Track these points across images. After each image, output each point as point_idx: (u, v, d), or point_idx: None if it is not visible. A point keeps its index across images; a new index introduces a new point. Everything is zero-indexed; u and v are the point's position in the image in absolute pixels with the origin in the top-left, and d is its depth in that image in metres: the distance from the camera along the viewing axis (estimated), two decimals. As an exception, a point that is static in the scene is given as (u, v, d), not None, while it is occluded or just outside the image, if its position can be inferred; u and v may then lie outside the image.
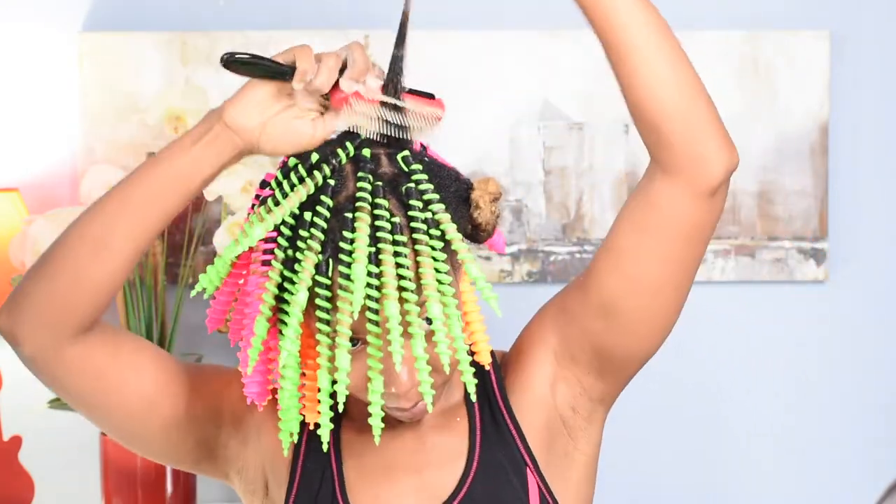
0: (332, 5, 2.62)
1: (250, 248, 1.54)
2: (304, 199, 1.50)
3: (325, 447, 1.53)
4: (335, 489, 1.61)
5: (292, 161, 1.53)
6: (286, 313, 1.51)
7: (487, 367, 1.66)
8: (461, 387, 1.62)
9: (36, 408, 2.47)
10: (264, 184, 1.56)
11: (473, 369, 1.54)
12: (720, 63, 2.61)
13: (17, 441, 2.42)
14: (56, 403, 2.41)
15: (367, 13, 2.61)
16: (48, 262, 1.59)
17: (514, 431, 1.64)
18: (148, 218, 1.58)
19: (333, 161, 1.51)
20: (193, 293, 1.60)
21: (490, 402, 1.66)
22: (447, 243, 1.51)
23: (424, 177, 1.51)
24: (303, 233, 1.49)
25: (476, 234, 1.57)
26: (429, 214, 1.51)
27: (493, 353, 1.66)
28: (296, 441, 1.60)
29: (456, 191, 1.55)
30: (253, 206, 1.57)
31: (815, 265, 2.64)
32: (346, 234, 1.48)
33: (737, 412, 2.67)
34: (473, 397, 1.53)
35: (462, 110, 2.56)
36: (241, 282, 1.59)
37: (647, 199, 1.56)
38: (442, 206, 1.51)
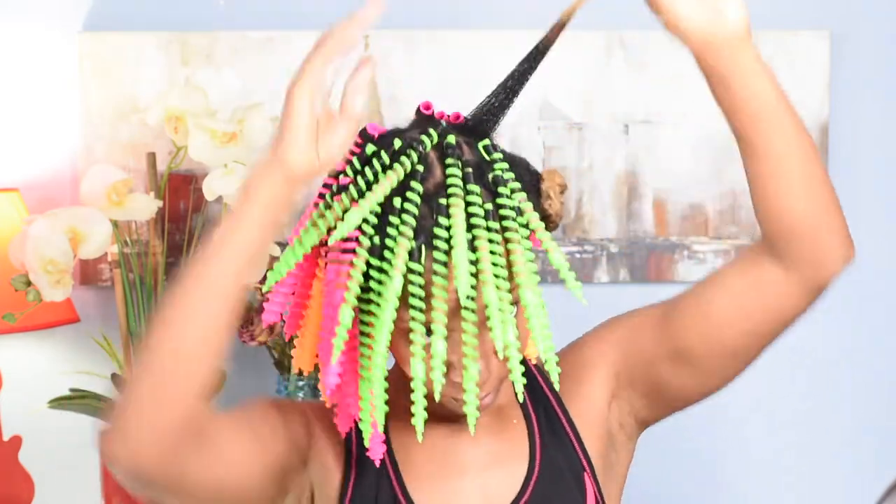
0: (332, 5, 2.62)
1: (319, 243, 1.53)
2: (395, 184, 1.48)
3: (419, 437, 1.49)
4: (396, 493, 1.60)
5: (370, 148, 1.52)
6: (372, 302, 1.49)
7: (535, 361, 1.66)
8: (511, 387, 1.60)
9: (36, 408, 2.47)
10: (334, 173, 1.54)
11: (523, 368, 1.53)
12: (720, 63, 2.61)
13: (17, 441, 2.43)
14: (56, 403, 2.41)
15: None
16: (146, 384, 1.46)
17: (571, 435, 1.65)
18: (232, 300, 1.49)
19: (419, 148, 1.51)
20: (266, 288, 1.57)
21: (544, 404, 1.66)
22: (530, 232, 1.51)
23: (506, 165, 1.52)
24: (393, 219, 1.47)
25: (546, 224, 1.57)
26: (515, 202, 1.50)
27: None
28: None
29: (529, 181, 1.56)
30: (322, 195, 1.54)
31: (815, 265, 2.64)
32: (442, 220, 1.47)
33: (736, 412, 2.67)
34: (521, 398, 1.52)
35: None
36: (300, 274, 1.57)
37: (756, 282, 1.58)
38: (524, 194, 1.51)
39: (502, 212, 1.50)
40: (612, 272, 2.62)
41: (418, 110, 1.58)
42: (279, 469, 1.58)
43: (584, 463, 1.63)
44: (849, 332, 2.68)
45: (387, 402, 1.53)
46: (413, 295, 1.46)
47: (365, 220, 1.48)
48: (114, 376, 2.37)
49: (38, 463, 2.49)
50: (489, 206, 1.49)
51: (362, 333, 1.51)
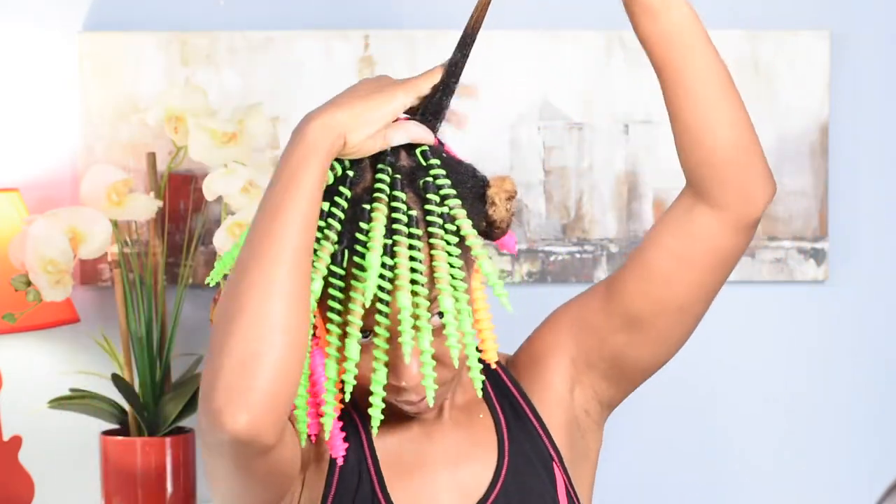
0: (332, 5, 2.62)
1: None
2: (322, 188, 1.49)
3: (374, 431, 1.51)
4: (374, 487, 1.61)
5: None
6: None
7: (494, 366, 1.67)
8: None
9: (36, 408, 2.47)
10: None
11: (481, 366, 1.55)
12: (720, 63, 2.60)
13: (17, 441, 2.43)
14: (56, 403, 2.41)
15: (367, 13, 2.61)
16: (237, 351, 1.40)
17: (537, 426, 1.66)
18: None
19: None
20: (212, 282, 1.58)
21: (509, 398, 1.68)
22: (462, 239, 1.52)
23: (442, 171, 1.52)
24: (320, 223, 1.49)
25: (490, 231, 1.58)
26: (445, 209, 1.51)
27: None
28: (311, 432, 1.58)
29: (472, 187, 1.56)
30: None
31: (815, 265, 2.64)
32: (363, 224, 1.48)
33: (736, 412, 2.67)
34: (479, 393, 1.54)
35: (462, 111, 2.56)
36: None
37: (688, 229, 1.59)
38: (458, 201, 1.52)
39: (429, 218, 1.50)
40: (612, 272, 2.62)
41: None
42: (300, 466, 1.60)
43: (552, 452, 1.65)
44: (849, 332, 2.68)
45: (362, 403, 1.55)
46: (332, 297, 1.49)
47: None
48: (114, 376, 2.37)
49: (38, 463, 2.49)
50: (414, 212, 1.50)
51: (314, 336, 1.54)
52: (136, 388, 2.40)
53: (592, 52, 2.60)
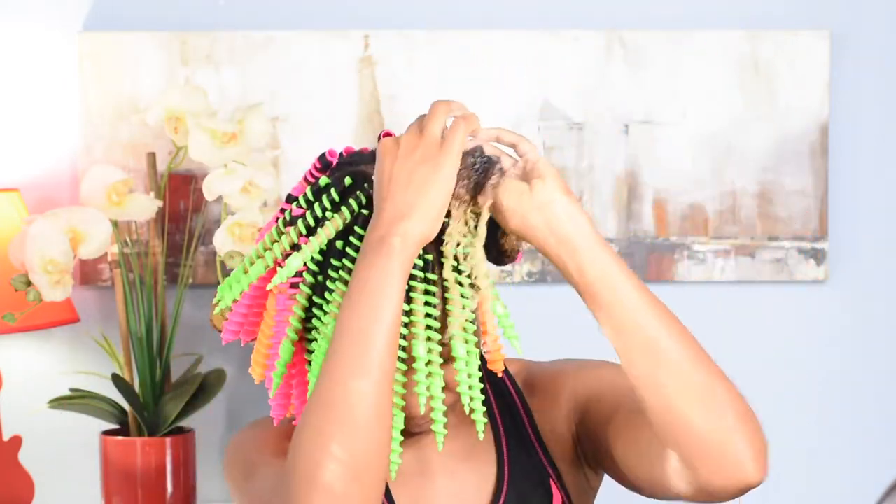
0: (332, 5, 2.62)
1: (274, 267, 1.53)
2: (339, 228, 1.49)
3: (392, 475, 1.50)
4: None
5: (324, 180, 1.52)
6: (314, 340, 1.50)
7: (500, 375, 1.67)
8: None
9: (36, 408, 2.47)
10: (291, 198, 1.55)
11: (484, 409, 1.53)
12: (720, 63, 2.61)
13: (17, 441, 2.42)
14: (56, 403, 2.41)
15: (367, 13, 2.61)
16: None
17: (536, 443, 1.66)
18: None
19: (368, 188, 1.50)
20: (217, 311, 1.58)
21: (511, 409, 1.67)
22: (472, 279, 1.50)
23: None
24: (335, 262, 1.48)
25: (500, 258, 1.56)
26: (460, 249, 1.49)
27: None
28: None
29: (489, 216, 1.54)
30: (277, 218, 1.55)
31: (815, 265, 2.63)
32: None
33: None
34: (481, 436, 1.52)
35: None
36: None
37: (653, 474, 1.52)
38: (476, 247, 1.50)
39: (444, 260, 1.49)
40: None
41: (379, 138, 1.55)
42: None
43: (550, 470, 1.64)
44: (849, 332, 2.68)
45: None
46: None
47: (311, 258, 1.50)
48: (114, 376, 2.37)
49: (38, 463, 2.49)
50: (430, 256, 1.48)
51: (309, 363, 1.52)
52: (136, 388, 2.40)
53: (592, 52, 2.60)
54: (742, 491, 1.47)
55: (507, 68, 2.60)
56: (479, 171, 1.48)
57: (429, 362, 1.48)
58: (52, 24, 2.58)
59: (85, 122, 2.56)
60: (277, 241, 1.52)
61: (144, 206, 2.36)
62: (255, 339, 1.62)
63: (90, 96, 2.56)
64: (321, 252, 1.49)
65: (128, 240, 2.44)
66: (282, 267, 1.50)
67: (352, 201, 1.50)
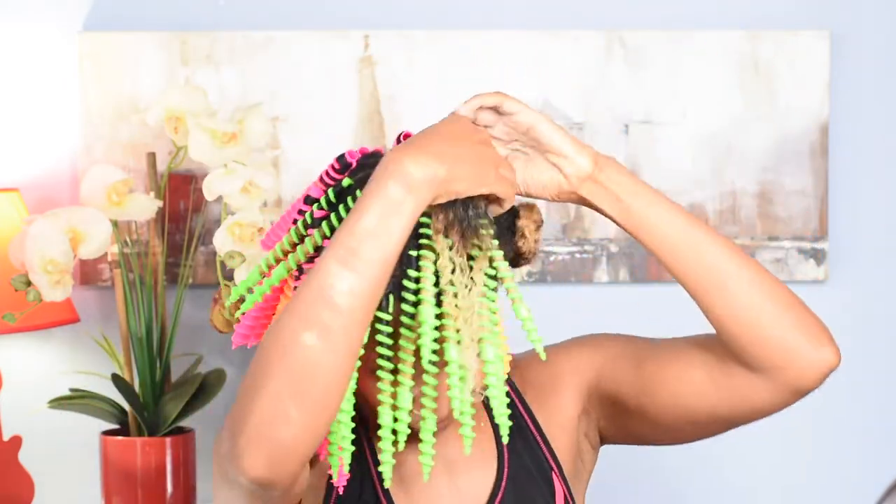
0: (332, 5, 2.62)
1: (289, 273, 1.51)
2: None
3: (387, 483, 1.48)
4: (378, 494, 1.61)
5: (347, 181, 1.50)
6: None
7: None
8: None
9: (36, 408, 2.47)
10: (310, 200, 1.52)
11: (509, 411, 1.53)
12: (720, 63, 2.61)
13: (17, 441, 2.42)
14: (56, 403, 2.41)
15: (367, 13, 2.61)
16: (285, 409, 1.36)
17: (538, 438, 1.66)
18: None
19: None
20: (238, 314, 1.55)
21: (511, 408, 1.67)
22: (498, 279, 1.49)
23: (485, 218, 1.48)
24: None
25: (517, 260, 1.55)
26: (488, 252, 1.48)
27: None
28: (346, 471, 1.53)
29: (505, 218, 1.54)
30: (295, 220, 1.52)
31: (815, 265, 2.64)
32: (411, 272, 1.45)
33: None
34: (506, 439, 1.53)
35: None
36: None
37: (726, 384, 1.56)
38: (496, 241, 1.49)
39: (472, 263, 1.48)
40: (611, 272, 2.62)
41: (399, 139, 1.54)
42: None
43: (552, 463, 1.64)
44: (849, 332, 2.68)
45: (364, 418, 1.54)
46: (381, 344, 1.46)
47: None
48: (114, 376, 2.37)
49: (38, 463, 2.49)
50: (460, 259, 1.47)
51: None
52: (136, 388, 2.40)
53: (592, 52, 2.60)
54: (826, 374, 1.54)
55: (507, 68, 2.60)
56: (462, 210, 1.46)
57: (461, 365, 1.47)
58: (52, 24, 2.58)
59: (85, 122, 2.56)
60: (299, 244, 1.50)
61: (144, 206, 2.36)
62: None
63: (90, 96, 2.56)
64: None
65: (128, 240, 2.44)
66: (299, 274, 1.48)
67: None
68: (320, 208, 1.51)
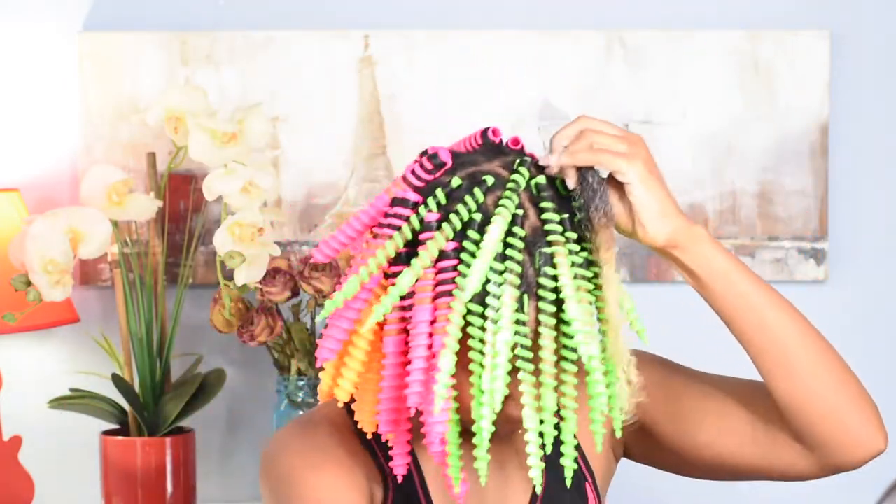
0: (332, 5, 2.62)
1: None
2: (504, 232, 1.43)
3: (483, 481, 1.46)
4: (420, 499, 1.59)
5: (456, 181, 1.46)
6: (471, 349, 1.43)
7: None
8: None
9: (36, 408, 2.47)
10: (402, 202, 1.47)
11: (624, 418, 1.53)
12: (720, 63, 2.61)
13: (17, 441, 2.42)
14: (56, 403, 2.41)
15: (367, 13, 2.61)
16: None
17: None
18: None
19: (515, 190, 1.46)
20: (324, 315, 1.48)
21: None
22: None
23: (579, 202, 1.48)
24: (498, 265, 1.42)
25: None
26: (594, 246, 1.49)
27: None
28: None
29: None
30: (391, 225, 1.47)
31: (815, 265, 2.64)
32: (548, 269, 1.43)
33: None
34: (569, 482, 1.51)
35: (462, 110, 2.56)
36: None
37: (772, 448, 1.58)
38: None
39: (590, 257, 1.48)
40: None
41: (485, 135, 1.52)
42: None
43: (586, 472, 1.64)
44: (849, 332, 2.68)
45: (413, 425, 1.52)
46: (521, 346, 1.43)
47: (460, 259, 1.43)
48: (114, 376, 2.37)
49: (38, 463, 2.48)
50: (585, 254, 1.47)
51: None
52: (136, 388, 2.40)
53: (592, 52, 2.60)
54: (870, 459, 1.56)
55: (507, 68, 2.59)
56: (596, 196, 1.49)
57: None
58: (52, 24, 2.58)
59: (85, 122, 2.56)
60: (420, 255, 1.44)
61: (144, 206, 2.36)
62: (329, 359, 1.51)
63: (90, 96, 2.56)
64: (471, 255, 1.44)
65: (128, 240, 2.44)
66: (441, 277, 1.44)
67: (507, 202, 1.44)
68: (428, 210, 1.46)
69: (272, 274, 2.33)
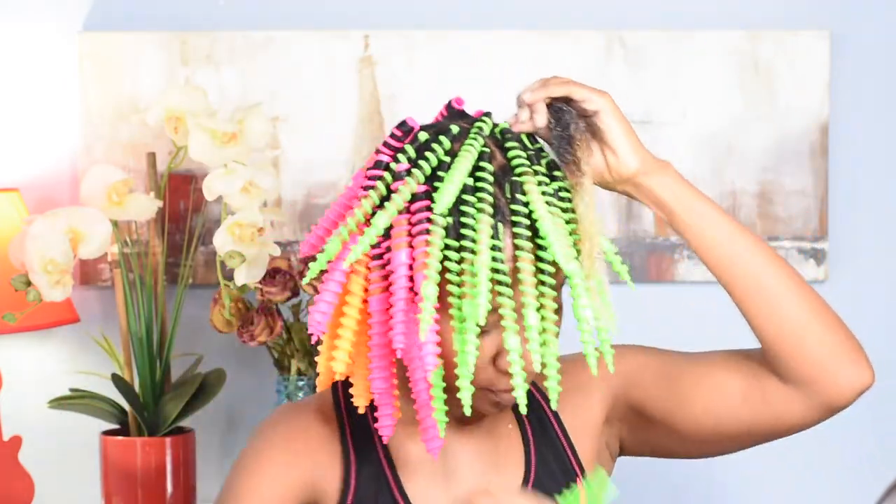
0: (332, 5, 2.62)
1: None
2: (473, 161, 1.50)
3: (467, 410, 1.48)
4: (395, 498, 1.60)
5: (423, 135, 1.53)
6: (451, 283, 1.47)
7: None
8: None
9: (36, 408, 2.47)
10: (381, 165, 1.53)
11: (559, 377, 1.53)
12: (720, 63, 2.61)
13: (17, 441, 2.42)
14: (56, 403, 2.41)
15: (367, 13, 2.61)
16: None
17: (564, 443, 1.65)
18: None
19: (479, 133, 1.53)
20: (313, 273, 1.50)
21: (537, 411, 1.67)
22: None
23: (548, 156, 1.54)
24: (468, 198, 1.48)
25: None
26: (568, 185, 1.53)
27: None
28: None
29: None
30: (367, 187, 1.52)
31: (815, 265, 2.64)
32: (520, 196, 1.48)
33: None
34: (554, 405, 1.52)
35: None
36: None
37: (759, 397, 1.58)
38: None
39: (562, 193, 1.52)
40: (612, 272, 2.62)
41: (450, 105, 1.59)
42: None
43: (577, 468, 1.64)
44: (849, 332, 2.68)
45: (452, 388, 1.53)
46: (499, 271, 1.46)
47: (432, 200, 1.48)
48: (114, 376, 2.37)
49: (38, 463, 2.48)
50: (555, 185, 1.51)
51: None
52: (136, 388, 2.40)
53: (592, 52, 2.60)
54: (861, 393, 1.58)
55: (507, 68, 2.59)
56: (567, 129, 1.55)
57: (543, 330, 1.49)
58: (52, 24, 2.58)
59: (85, 122, 2.56)
60: (394, 199, 1.49)
61: (144, 206, 2.36)
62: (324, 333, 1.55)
63: (90, 96, 2.56)
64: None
65: (128, 240, 2.44)
66: (410, 213, 1.49)
67: (472, 140, 1.51)
68: (398, 164, 1.51)
69: (272, 274, 2.33)
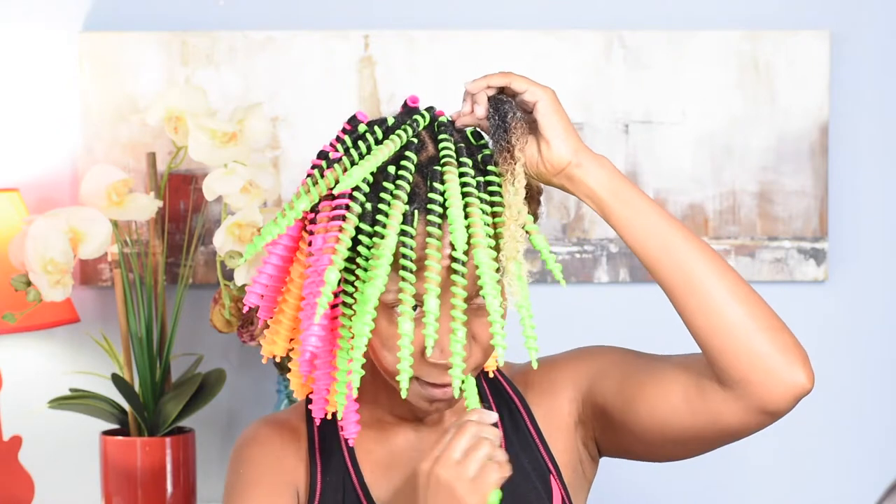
0: (332, 5, 2.62)
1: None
2: (394, 151, 1.52)
3: (403, 394, 1.49)
4: (359, 496, 1.60)
5: (362, 127, 1.57)
6: (359, 269, 1.50)
7: (492, 374, 1.67)
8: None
9: (36, 408, 2.47)
10: (322, 154, 1.59)
11: (536, 338, 1.54)
12: (720, 63, 2.61)
13: (17, 441, 2.42)
14: (56, 403, 2.41)
15: (367, 13, 2.61)
16: None
17: (536, 439, 1.65)
18: None
19: (412, 125, 1.55)
20: (248, 255, 1.54)
21: (509, 406, 1.67)
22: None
23: (489, 152, 1.56)
24: (387, 185, 1.51)
25: (529, 204, 1.61)
26: (500, 180, 1.54)
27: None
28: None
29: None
30: (309, 175, 1.57)
31: (815, 265, 2.64)
32: (437, 185, 1.50)
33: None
34: (535, 364, 1.52)
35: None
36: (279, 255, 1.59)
37: (700, 402, 1.56)
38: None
39: (491, 188, 1.53)
40: (611, 272, 2.62)
41: (405, 104, 1.61)
42: None
43: (550, 465, 1.64)
44: (849, 332, 2.68)
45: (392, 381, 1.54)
46: (405, 257, 1.48)
47: (356, 188, 1.51)
48: (114, 376, 2.37)
49: (38, 463, 2.49)
50: (481, 178, 1.53)
51: (345, 304, 1.52)
52: (136, 388, 2.40)
53: (592, 52, 2.60)
54: (798, 399, 1.52)
55: (507, 68, 2.59)
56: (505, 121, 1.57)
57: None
58: (52, 24, 2.58)
59: (85, 122, 2.56)
60: (318, 182, 1.53)
61: (144, 206, 2.36)
62: (268, 319, 1.62)
63: (90, 96, 2.56)
64: (368, 183, 1.52)
65: (128, 240, 2.44)
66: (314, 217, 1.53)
67: (399, 132, 1.54)
68: (336, 152, 1.56)
69: (272, 274, 2.33)
